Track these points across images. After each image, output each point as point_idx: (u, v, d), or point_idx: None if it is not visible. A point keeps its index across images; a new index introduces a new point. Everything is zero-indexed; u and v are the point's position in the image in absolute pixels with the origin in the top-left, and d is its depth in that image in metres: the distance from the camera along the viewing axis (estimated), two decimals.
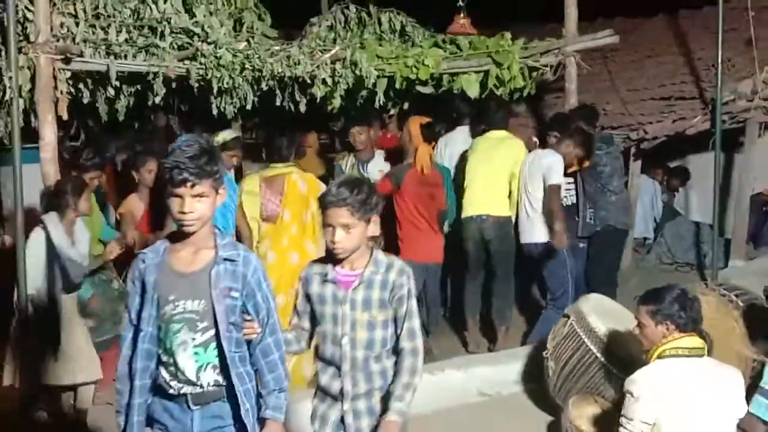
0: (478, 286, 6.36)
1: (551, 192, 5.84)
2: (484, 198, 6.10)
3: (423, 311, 6.16)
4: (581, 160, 6.05)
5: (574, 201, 6.54)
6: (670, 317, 3.70)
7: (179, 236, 2.73)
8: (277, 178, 5.47)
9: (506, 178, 6.11)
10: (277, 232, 5.47)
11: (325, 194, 2.97)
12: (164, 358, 2.74)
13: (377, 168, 6.34)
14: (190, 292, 2.70)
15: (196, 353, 2.71)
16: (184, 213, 2.59)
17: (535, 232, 5.98)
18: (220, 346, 2.71)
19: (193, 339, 2.70)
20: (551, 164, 5.87)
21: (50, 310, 4.84)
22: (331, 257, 3.02)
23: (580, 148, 5.94)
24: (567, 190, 6.36)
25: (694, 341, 3.68)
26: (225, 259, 2.71)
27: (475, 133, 6.37)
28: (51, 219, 4.80)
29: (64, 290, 4.85)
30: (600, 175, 6.31)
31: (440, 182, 6.03)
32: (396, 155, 6.38)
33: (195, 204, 2.59)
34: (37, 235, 4.77)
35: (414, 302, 3.07)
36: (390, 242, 6.06)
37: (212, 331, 2.71)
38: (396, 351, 3.09)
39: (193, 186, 2.57)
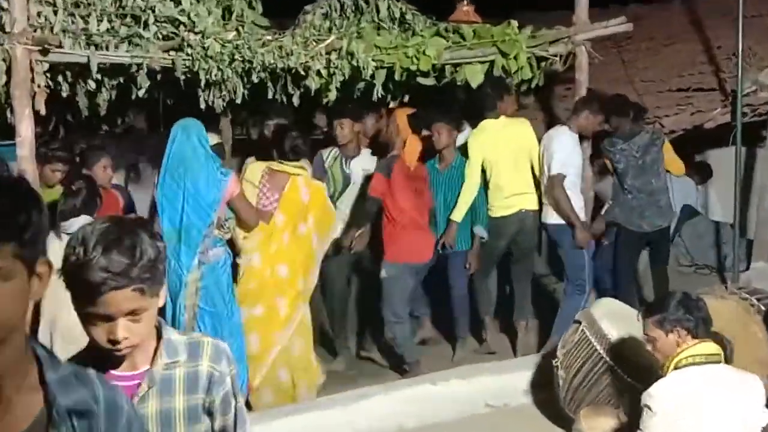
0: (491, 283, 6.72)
1: (552, 184, 6.14)
2: (519, 195, 6.37)
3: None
4: (605, 124, 6.46)
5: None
6: (678, 322, 3.77)
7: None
8: (282, 174, 5.55)
9: (528, 168, 6.41)
10: (267, 234, 5.51)
11: (85, 268, 1.88)
12: None
13: (361, 166, 6.42)
14: None
15: None
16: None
17: (551, 213, 6.30)
18: None
19: None
20: (554, 151, 6.16)
21: None
22: (99, 353, 1.99)
23: (599, 115, 6.30)
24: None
25: (710, 347, 3.76)
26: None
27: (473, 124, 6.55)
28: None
29: None
30: (615, 171, 6.62)
31: (426, 177, 6.23)
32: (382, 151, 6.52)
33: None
34: None
35: (241, 400, 2.30)
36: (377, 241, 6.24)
37: None
38: None
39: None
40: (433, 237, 6.23)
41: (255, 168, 5.65)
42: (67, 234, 4.83)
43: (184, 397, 2.10)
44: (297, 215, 5.55)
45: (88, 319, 1.93)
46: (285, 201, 5.51)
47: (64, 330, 4.66)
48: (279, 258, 5.53)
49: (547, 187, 6.19)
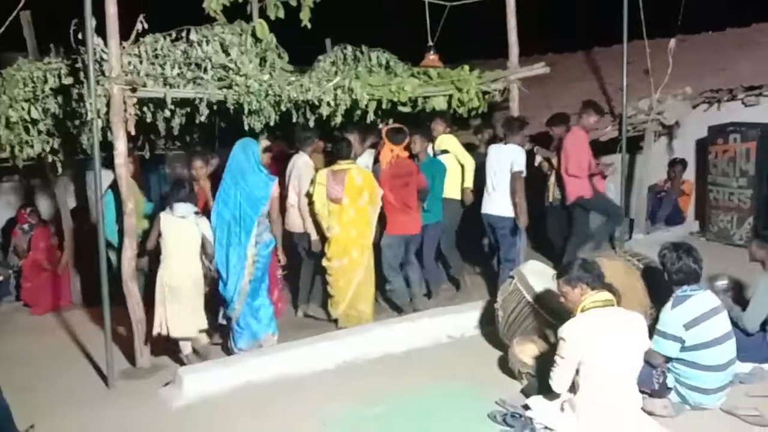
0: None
1: (517, 178, 5.90)
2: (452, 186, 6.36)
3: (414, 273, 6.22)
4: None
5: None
6: (580, 279, 3.76)
7: None
8: (340, 172, 5.67)
9: (458, 167, 6.37)
10: (340, 211, 5.69)
11: None
12: None
13: (362, 163, 6.18)
14: None
15: None
16: None
17: (495, 206, 6.10)
18: None
19: None
20: (517, 155, 5.94)
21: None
22: None
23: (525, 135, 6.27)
24: None
25: (605, 295, 3.74)
26: None
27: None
28: None
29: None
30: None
31: (412, 171, 5.95)
32: None
33: None
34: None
35: None
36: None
37: None
38: None
39: None
40: (418, 214, 5.99)
41: (322, 173, 5.71)
42: (176, 216, 4.97)
43: None
44: (356, 194, 5.64)
45: None
46: (348, 188, 5.61)
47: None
48: (350, 225, 5.68)
49: (511, 180, 5.92)
